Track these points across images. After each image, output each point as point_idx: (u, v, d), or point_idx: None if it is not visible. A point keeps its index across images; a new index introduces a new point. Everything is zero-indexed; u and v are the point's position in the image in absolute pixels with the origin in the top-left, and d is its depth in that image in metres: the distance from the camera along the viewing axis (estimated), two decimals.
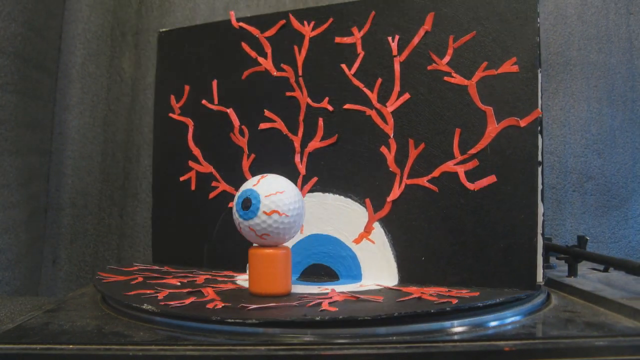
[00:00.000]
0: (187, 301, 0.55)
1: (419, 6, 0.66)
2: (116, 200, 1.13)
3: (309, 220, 0.71)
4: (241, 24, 0.77)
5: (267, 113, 0.74)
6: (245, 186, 0.60)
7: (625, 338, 0.47)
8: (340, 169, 0.69)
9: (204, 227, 0.78)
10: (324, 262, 0.70)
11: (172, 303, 0.54)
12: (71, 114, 1.13)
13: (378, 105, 0.67)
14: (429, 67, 0.65)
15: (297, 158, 0.72)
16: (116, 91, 1.15)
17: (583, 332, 0.48)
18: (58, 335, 0.48)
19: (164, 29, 0.85)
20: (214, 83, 0.79)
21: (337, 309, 0.51)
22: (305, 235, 0.71)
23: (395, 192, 0.66)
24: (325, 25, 0.71)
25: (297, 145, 0.72)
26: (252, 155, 0.76)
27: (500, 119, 0.61)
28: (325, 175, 0.70)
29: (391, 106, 0.66)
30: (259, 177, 0.61)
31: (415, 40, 0.66)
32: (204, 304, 0.54)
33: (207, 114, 0.79)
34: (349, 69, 0.69)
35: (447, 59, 0.64)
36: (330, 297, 0.56)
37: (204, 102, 0.79)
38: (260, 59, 0.75)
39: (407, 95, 0.66)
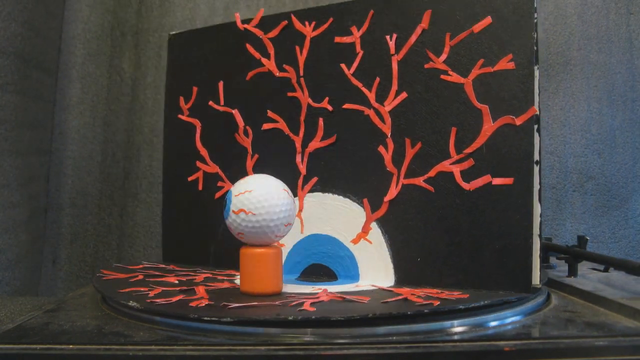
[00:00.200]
0: (175, 299, 0.56)
1: (417, 4, 0.65)
2: (116, 200, 1.13)
3: (309, 220, 0.71)
4: (245, 25, 0.77)
5: (270, 113, 0.74)
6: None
7: (626, 338, 0.47)
8: (339, 169, 0.69)
9: (211, 227, 0.78)
10: (323, 262, 0.70)
11: (158, 301, 0.55)
12: (71, 114, 1.13)
13: (376, 105, 0.67)
14: (426, 66, 0.64)
15: (299, 158, 0.72)
16: (116, 91, 1.15)
17: (583, 332, 0.48)
18: (58, 335, 0.48)
19: (173, 32, 0.86)
20: (220, 84, 0.79)
21: (315, 309, 0.51)
22: (306, 235, 0.71)
23: (392, 192, 0.65)
24: (326, 25, 0.71)
25: (298, 145, 0.72)
26: (256, 156, 0.76)
27: (496, 118, 0.60)
28: (325, 175, 0.70)
29: (389, 105, 0.66)
30: (247, 177, 0.62)
31: (413, 38, 0.65)
32: (190, 302, 0.54)
33: (213, 115, 0.79)
34: (348, 69, 0.69)
35: (443, 56, 0.63)
36: (317, 297, 0.56)
37: (210, 103, 0.80)
38: (264, 60, 0.75)
39: (404, 95, 0.65)
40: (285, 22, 0.74)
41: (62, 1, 1.13)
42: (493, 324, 0.51)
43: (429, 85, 0.64)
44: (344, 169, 0.69)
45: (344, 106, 0.69)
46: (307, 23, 0.72)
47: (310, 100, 0.71)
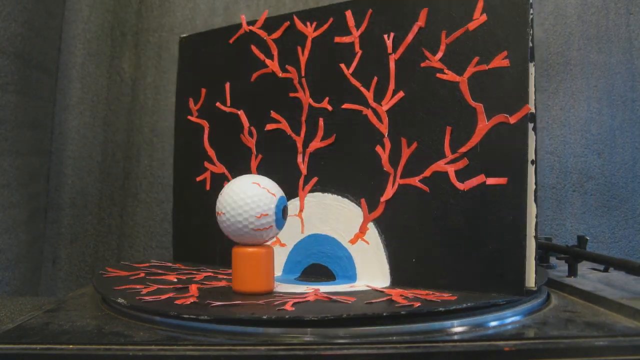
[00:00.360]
0: (164, 297, 0.56)
1: (413, 2, 0.65)
2: (116, 200, 1.13)
3: (309, 220, 0.71)
4: (250, 27, 0.78)
5: (273, 114, 0.75)
6: None
7: (626, 338, 0.47)
8: (338, 169, 0.69)
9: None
10: (322, 262, 0.70)
11: (146, 298, 0.55)
12: (71, 114, 1.13)
13: (374, 104, 0.67)
14: (422, 64, 0.63)
15: (300, 158, 0.72)
16: (116, 91, 1.15)
17: (583, 332, 0.48)
18: (58, 335, 0.48)
19: (184, 35, 0.87)
20: (227, 85, 0.80)
21: (294, 309, 0.51)
22: (306, 235, 0.71)
23: (389, 192, 0.65)
24: (326, 26, 0.71)
25: (299, 145, 0.72)
26: (260, 156, 0.76)
27: (491, 116, 0.59)
28: (324, 175, 0.70)
29: (386, 105, 0.66)
30: None
31: (410, 37, 0.65)
32: (177, 299, 0.55)
33: (221, 116, 0.80)
34: (348, 69, 0.69)
35: (439, 55, 0.62)
36: (304, 298, 0.56)
37: (217, 104, 0.80)
38: (268, 61, 0.76)
39: (401, 94, 0.65)
40: (287, 23, 0.74)
41: (62, 1, 1.13)
42: (493, 324, 0.51)
43: (425, 84, 0.63)
44: (342, 168, 0.69)
45: (343, 106, 0.69)
46: (308, 23, 0.72)
47: (311, 101, 0.71)
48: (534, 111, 0.57)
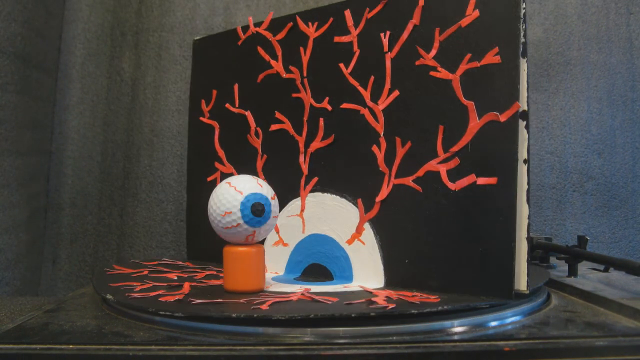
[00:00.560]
0: (153, 294, 0.57)
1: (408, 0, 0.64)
2: (116, 200, 1.13)
3: (310, 220, 0.71)
4: (257, 28, 0.78)
5: (277, 114, 0.75)
6: None
7: (626, 338, 0.47)
8: (337, 169, 0.69)
9: None
10: (321, 262, 0.70)
11: (134, 295, 0.57)
12: (71, 114, 1.13)
13: (370, 104, 0.66)
14: (417, 63, 0.63)
15: (301, 158, 0.72)
16: (116, 91, 1.15)
17: (583, 332, 0.48)
18: (58, 335, 0.48)
19: (197, 37, 0.88)
20: (235, 87, 0.80)
21: (269, 308, 0.51)
22: (307, 235, 0.71)
23: (384, 192, 0.64)
24: (326, 25, 0.71)
25: (301, 145, 0.72)
26: (265, 156, 0.77)
27: (482, 114, 0.57)
28: (324, 175, 0.70)
29: (382, 104, 0.65)
30: None
31: (405, 35, 0.64)
32: (163, 297, 0.56)
33: (230, 117, 0.81)
34: (346, 68, 0.69)
35: (433, 52, 0.61)
36: (288, 297, 0.56)
37: (227, 105, 0.81)
38: (273, 62, 0.76)
39: (396, 93, 0.64)
40: (290, 24, 0.74)
41: (62, 1, 1.13)
42: (493, 324, 0.51)
43: (420, 82, 0.62)
44: (341, 169, 0.69)
45: (342, 106, 0.69)
46: (310, 24, 0.73)
47: (312, 101, 0.71)
48: (526, 109, 0.55)
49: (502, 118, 0.56)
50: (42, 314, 0.55)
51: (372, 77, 0.66)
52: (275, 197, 0.62)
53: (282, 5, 1.14)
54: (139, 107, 1.14)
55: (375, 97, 0.66)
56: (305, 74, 0.73)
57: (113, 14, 1.16)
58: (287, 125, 0.74)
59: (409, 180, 0.62)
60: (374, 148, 0.65)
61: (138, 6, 1.16)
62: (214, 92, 0.83)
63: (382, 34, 0.66)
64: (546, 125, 1.13)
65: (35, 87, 1.02)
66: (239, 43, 0.81)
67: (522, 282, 0.54)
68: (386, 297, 0.55)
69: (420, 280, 0.60)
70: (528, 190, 0.55)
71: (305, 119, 0.72)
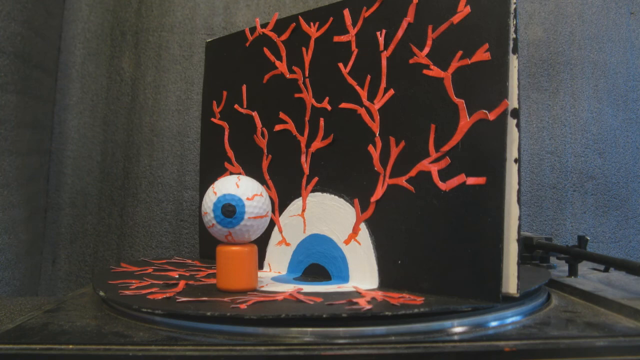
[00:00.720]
0: (145, 291, 0.58)
1: None
2: (116, 200, 1.13)
3: (310, 220, 0.71)
4: (263, 30, 0.79)
5: (281, 115, 0.75)
6: None
7: (626, 338, 0.47)
8: (335, 169, 0.69)
9: None
10: (320, 262, 0.70)
11: (126, 292, 0.58)
12: (71, 114, 1.13)
13: (367, 103, 0.66)
14: (411, 61, 0.62)
15: (303, 158, 0.72)
16: (116, 91, 1.15)
17: (583, 333, 0.48)
18: (58, 336, 0.48)
19: (209, 39, 0.89)
20: (243, 87, 0.81)
21: (246, 307, 0.51)
22: (307, 235, 0.71)
23: (378, 192, 0.64)
24: (327, 25, 0.71)
25: (303, 145, 0.72)
26: (269, 156, 0.77)
27: (472, 113, 0.56)
28: (323, 175, 0.70)
29: (378, 103, 0.65)
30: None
31: (400, 33, 0.63)
32: (152, 294, 0.57)
33: (239, 118, 0.81)
34: (345, 68, 0.69)
35: (426, 50, 0.61)
36: (274, 297, 0.56)
37: (235, 106, 0.82)
38: (277, 63, 0.76)
39: (391, 92, 0.64)
40: (294, 25, 0.75)
41: (61, 1, 1.13)
42: (493, 324, 0.51)
43: (413, 81, 0.61)
44: (339, 168, 0.69)
45: (340, 105, 0.69)
46: (311, 24, 0.73)
47: (313, 101, 0.71)
48: (517, 107, 0.54)
49: (492, 116, 0.54)
50: (41, 314, 0.55)
51: (369, 77, 0.66)
52: (259, 197, 0.61)
53: (282, 5, 1.14)
54: (138, 106, 1.14)
55: (371, 97, 0.66)
56: (307, 74, 0.73)
57: (113, 14, 1.16)
58: (290, 126, 0.74)
59: (402, 180, 0.62)
60: (370, 148, 0.65)
61: (138, 6, 1.16)
62: (224, 93, 0.84)
63: (378, 33, 0.65)
64: (546, 125, 1.13)
65: (35, 87, 1.02)
66: (247, 44, 0.81)
67: (511, 285, 0.53)
68: (372, 298, 0.55)
69: (412, 281, 0.60)
70: (519, 191, 0.53)
71: (306, 119, 0.72)
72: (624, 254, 1.13)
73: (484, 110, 0.55)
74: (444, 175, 0.58)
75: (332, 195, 0.69)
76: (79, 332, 0.49)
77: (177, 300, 0.54)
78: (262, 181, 0.76)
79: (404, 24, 0.63)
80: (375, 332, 0.48)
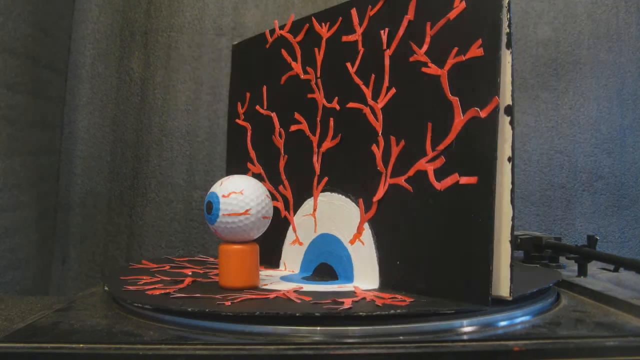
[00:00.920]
0: (146, 287, 0.60)
1: None
2: (125, 200, 1.14)
3: (321, 220, 0.71)
4: (281, 32, 0.79)
5: (296, 115, 0.75)
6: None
7: (636, 338, 0.46)
8: (343, 169, 0.69)
9: None
10: (328, 261, 0.70)
11: (129, 288, 0.59)
12: (81, 114, 1.14)
13: (371, 102, 0.65)
14: (411, 59, 0.61)
15: (315, 158, 0.72)
16: (125, 91, 1.15)
17: (593, 332, 0.48)
18: (68, 335, 0.48)
19: (235, 42, 0.89)
20: (264, 89, 0.81)
21: (230, 304, 0.52)
22: (318, 234, 0.71)
23: (380, 192, 0.63)
24: (337, 25, 0.71)
25: (314, 145, 0.72)
26: (286, 157, 0.77)
27: (465, 110, 0.55)
28: (333, 175, 0.70)
29: (381, 102, 0.64)
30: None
31: (401, 31, 0.63)
32: (152, 290, 0.59)
33: (260, 119, 0.82)
34: (352, 67, 0.68)
35: (425, 48, 0.60)
36: (267, 295, 0.57)
37: (257, 107, 0.82)
38: (293, 64, 0.77)
39: (393, 90, 0.63)
40: (307, 25, 0.75)
41: (71, 2, 1.14)
42: (502, 323, 0.51)
43: (413, 79, 0.61)
44: (345, 168, 0.69)
45: (348, 105, 0.69)
46: (323, 24, 0.73)
47: (324, 101, 0.71)
48: (510, 104, 0.52)
49: (483, 114, 0.53)
50: (52, 313, 0.55)
51: (373, 76, 0.66)
52: (236, 195, 0.61)
53: (291, 5, 1.14)
54: (148, 107, 1.14)
55: (375, 96, 0.65)
56: (318, 75, 0.73)
57: (122, 15, 1.16)
58: (304, 126, 0.74)
59: (401, 180, 0.61)
60: (374, 147, 0.65)
61: (147, 6, 1.16)
62: (247, 94, 0.84)
63: (381, 32, 0.65)
64: (555, 125, 1.13)
65: (45, 88, 1.03)
66: (267, 46, 0.82)
67: (502, 288, 0.52)
68: (362, 298, 0.55)
69: (409, 282, 0.59)
70: (512, 190, 0.52)
71: (318, 119, 0.72)
72: (634, 253, 1.12)
73: (476, 108, 0.54)
74: (439, 174, 0.57)
75: (340, 195, 0.69)
76: (89, 331, 0.49)
77: (171, 296, 0.55)
78: (279, 181, 0.77)
79: (405, 22, 0.62)
80: (385, 332, 0.48)
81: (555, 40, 1.14)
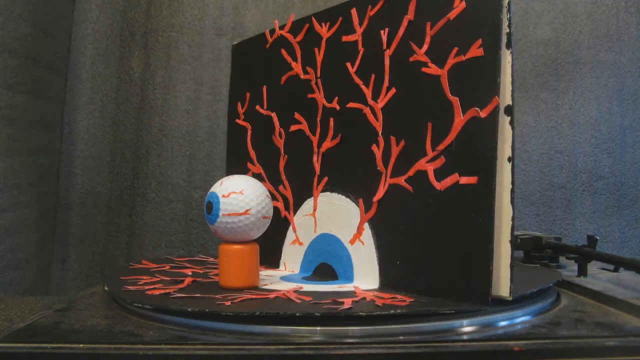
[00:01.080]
0: (146, 287, 0.60)
1: None
2: (125, 200, 1.14)
3: (321, 220, 0.71)
4: (281, 32, 0.79)
5: (296, 115, 0.75)
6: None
7: (636, 338, 0.46)
8: (343, 169, 0.69)
9: None
10: (329, 261, 0.70)
11: (129, 287, 0.60)
12: (81, 114, 1.14)
13: (371, 102, 0.65)
14: (411, 59, 0.61)
15: (315, 158, 0.72)
16: (125, 91, 1.15)
17: (593, 332, 0.48)
18: (68, 335, 0.48)
19: (235, 42, 0.89)
20: (264, 89, 0.81)
21: (230, 304, 0.52)
22: (318, 235, 0.71)
23: (380, 192, 0.63)
24: (337, 25, 0.71)
25: (314, 145, 0.72)
26: (286, 157, 0.77)
27: (465, 110, 0.55)
28: (333, 175, 0.70)
29: (381, 102, 0.64)
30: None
31: (401, 31, 0.63)
32: (151, 290, 0.59)
33: (260, 119, 0.82)
34: (352, 67, 0.68)
35: (425, 48, 0.60)
36: (267, 295, 0.57)
37: (257, 107, 0.82)
38: (293, 64, 0.77)
39: (393, 90, 0.63)
40: (307, 25, 0.75)
41: (71, 2, 1.14)
42: (503, 323, 0.51)
43: (413, 79, 0.61)
44: (345, 168, 0.68)
45: (348, 105, 0.69)
46: (323, 24, 0.73)
47: (324, 101, 0.71)
48: (510, 104, 0.52)
49: (483, 114, 0.53)
50: (52, 313, 0.55)
51: (373, 76, 0.66)
52: (236, 195, 0.61)
53: (291, 5, 1.14)
54: (148, 107, 1.15)
55: (375, 96, 0.65)
56: (318, 75, 0.73)
57: (122, 15, 1.16)
58: (304, 126, 0.74)
59: (401, 180, 0.61)
60: (374, 147, 0.65)
61: (147, 6, 1.16)
62: (247, 94, 0.84)
63: (381, 32, 0.65)
64: (555, 125, 1.13)
65: (45, 88, 1.03)
66: (267, 46, 0.82)
67: (502, 288, 0.52)
68: (362, 298, 0.55)
69: (410, 282, 0.59)
70: (512, 190, 0.52)
71: (318, 119, 0.72)
72: (634, 253, 1.12)
73: (476, 108, 0.54)
74: (439, 174, 0.57)
75: (340, 195, 0.69)
76: (89, 331, 0.49)
77: (171, 296, 0.55)
78: (279, 181, 0.77)
79: (405, 22, 0.62)
80: (385, 332, 0.48)
81: (555, 40, 1.14)
